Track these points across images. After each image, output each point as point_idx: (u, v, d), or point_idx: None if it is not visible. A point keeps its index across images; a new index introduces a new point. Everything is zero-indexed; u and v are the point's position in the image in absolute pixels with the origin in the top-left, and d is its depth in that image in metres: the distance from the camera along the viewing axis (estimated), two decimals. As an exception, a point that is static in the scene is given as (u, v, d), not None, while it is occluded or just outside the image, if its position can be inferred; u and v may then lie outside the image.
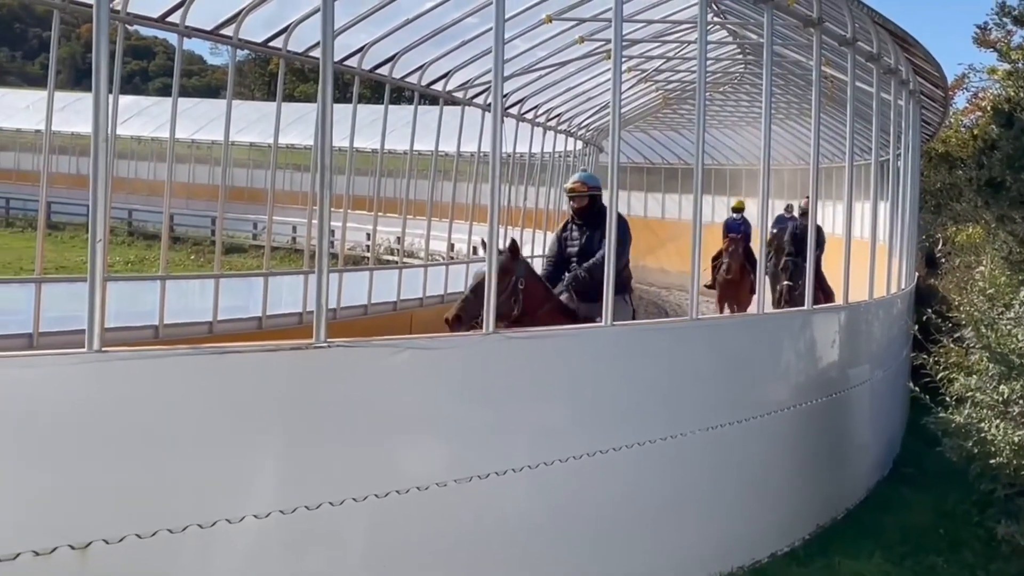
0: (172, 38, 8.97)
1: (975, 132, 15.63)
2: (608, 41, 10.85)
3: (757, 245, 13.25)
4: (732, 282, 13.31)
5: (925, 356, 7.61)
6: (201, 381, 3.76)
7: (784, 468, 6.69)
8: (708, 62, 12.23)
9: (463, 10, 10.08)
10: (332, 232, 6.16)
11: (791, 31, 8.98)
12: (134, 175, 29.52)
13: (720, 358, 6.20)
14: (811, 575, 6.24)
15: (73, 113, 26.72)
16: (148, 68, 67.47)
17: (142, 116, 29.17)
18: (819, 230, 9.54)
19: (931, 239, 17.49)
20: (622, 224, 6.49)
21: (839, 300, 7.97)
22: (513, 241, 6.16)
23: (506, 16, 5.78)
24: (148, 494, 3.55)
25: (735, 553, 6.10)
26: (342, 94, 16.62)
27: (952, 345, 8.09)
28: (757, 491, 6.35)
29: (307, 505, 3.93)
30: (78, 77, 49.86)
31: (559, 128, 16.98)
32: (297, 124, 24.42)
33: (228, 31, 9.01)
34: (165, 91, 43.81)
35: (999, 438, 6.40)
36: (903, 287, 10.28)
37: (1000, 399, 6.60)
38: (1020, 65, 13.14)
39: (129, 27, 8.68)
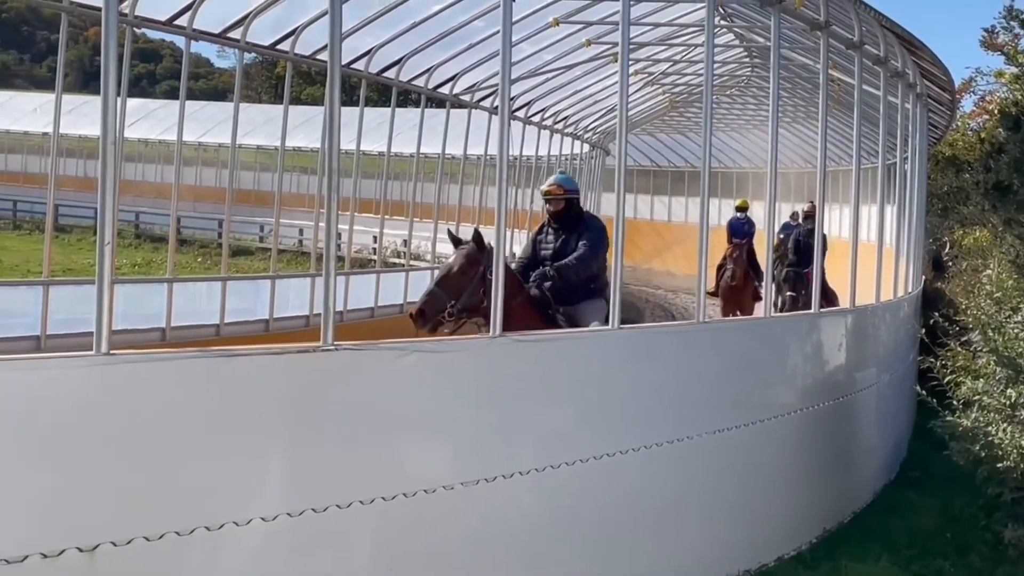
0: (180, 41, 9.04)
1: (982, 136, 15.58)
2: (615, 44, 10.89)
3: (761, 246, 13.36)
4: (736, 288, 13.31)
5: (932, 360, 7.60)
6: (208, 384, 3.76)
7: (790, 471, 6.68)
8: (715, 65, 12.18)
9: (470, 13, 10.07)
10: (339, 235, 6.16)
11: (798, 34, 8.97)
12: (141, 178, 29.61)
13: (727, 361, 6.19)
14: (817, 579, 6.24)
15: (80, 116, 26.88)
16: (155, 71, 67.55)
17: (149, 119, 29.21)
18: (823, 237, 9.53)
19: (938, 242, 17.47)
20: (601, 228, 6.48)
21: (845, 303, 7.95)
22: (477, 231, 6.04)
23: (513, 19, 5.80)
24: (156, 496, 3.55)
25: (741, 556, 6.08)
26: (349, 97, 16.63)
27: (959, 349, 8.07)
28: (763, 494, 6.35)
29: (314, 507, 3.93)
30: (85, 80, 49.95)
31: (566, 131, 16.98)
32: (304, 127, 24.50)
33: (236, 34, 9.06)
34: (172, 94, 43.74)
35: (1006, 442, 6.40)
36: (910, 290, 10.26)
37: (1007, 403, 6.60)
38: (1028, 68, 13.09)
39: (137, 30, 8.73)
